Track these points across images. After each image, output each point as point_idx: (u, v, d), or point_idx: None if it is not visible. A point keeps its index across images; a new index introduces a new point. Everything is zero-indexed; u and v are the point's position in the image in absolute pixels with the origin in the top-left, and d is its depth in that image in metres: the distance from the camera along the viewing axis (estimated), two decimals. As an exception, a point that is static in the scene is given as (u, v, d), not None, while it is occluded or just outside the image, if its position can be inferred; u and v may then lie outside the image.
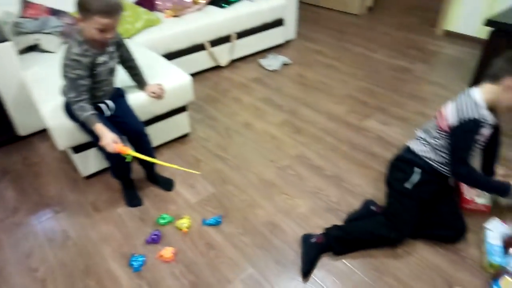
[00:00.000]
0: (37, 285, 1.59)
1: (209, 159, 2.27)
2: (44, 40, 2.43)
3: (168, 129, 2.32)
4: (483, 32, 2.67)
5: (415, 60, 3.34)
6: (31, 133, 2.46)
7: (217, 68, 3.31)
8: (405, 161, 1.71)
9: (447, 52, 3.49)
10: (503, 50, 1.59)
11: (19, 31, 2.40)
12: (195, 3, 3.18)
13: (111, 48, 1.72)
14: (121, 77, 1.97)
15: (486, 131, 1.53)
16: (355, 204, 1.90)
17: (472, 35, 3.51)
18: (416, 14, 4.40)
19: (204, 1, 3.21)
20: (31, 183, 2.12)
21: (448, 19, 3.69)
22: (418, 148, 1.67)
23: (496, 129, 1.66)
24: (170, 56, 2.88)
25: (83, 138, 1.90)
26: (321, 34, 3.97)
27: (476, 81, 2.53)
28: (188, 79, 2.20)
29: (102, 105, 1.79)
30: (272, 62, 3.37)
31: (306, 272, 1.57)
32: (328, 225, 1.75)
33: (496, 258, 1.51)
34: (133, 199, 1.97)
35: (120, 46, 1.82)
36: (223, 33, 3.18)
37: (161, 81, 2.10)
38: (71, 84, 1.59)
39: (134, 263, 1.64)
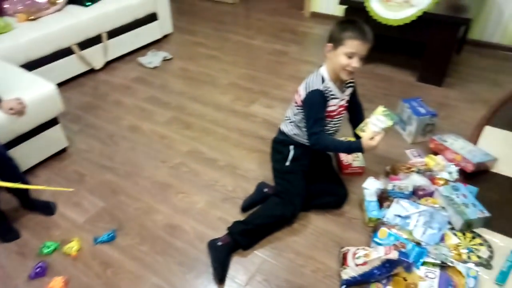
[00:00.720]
0: None
1: (94, 172, 2.10)
2: None
3: (40, 147, 2.07)
4: (341, 11, 2.96)
5: (290, 43, 3.53)
6: None
7: (92, 71, 3.06)
8: (279, 142, 1.83)
9: (315, 32, 3.76)
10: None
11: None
12: (52, 3, 2.86)
13: None
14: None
15: (333, 102, 1.65)
16: (251, 188, 1.93)
17: (334, 14, 3.85)
18: (285, -1, 4.63)
19: (62, 0, 2.91)
20: None
21: (312, 2, 3.97)
22: (286, 128, 1.80)
23: (352, 95, 1.77)
24: (32, 65, 2.57)
25: None
26: (199, 26, 3.94)
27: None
28: (52, 88, 1.99)
29: None
30: (152, 59, 3.24)
31: (221, 278, 1.52)
32: (227, 216, 1.77)
33: (374, 212, 1.70)
34: (7, 234, 1.73)
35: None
36: (91, 33, 2.94)
37: (20, 94, 1.86)
38: None
39: (19, 305, 1.45)
